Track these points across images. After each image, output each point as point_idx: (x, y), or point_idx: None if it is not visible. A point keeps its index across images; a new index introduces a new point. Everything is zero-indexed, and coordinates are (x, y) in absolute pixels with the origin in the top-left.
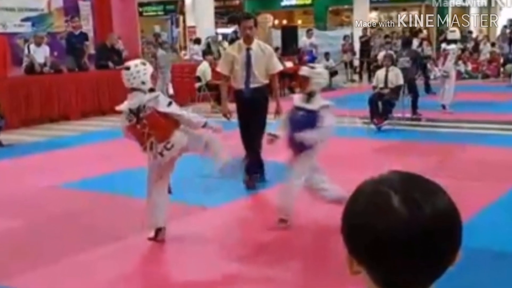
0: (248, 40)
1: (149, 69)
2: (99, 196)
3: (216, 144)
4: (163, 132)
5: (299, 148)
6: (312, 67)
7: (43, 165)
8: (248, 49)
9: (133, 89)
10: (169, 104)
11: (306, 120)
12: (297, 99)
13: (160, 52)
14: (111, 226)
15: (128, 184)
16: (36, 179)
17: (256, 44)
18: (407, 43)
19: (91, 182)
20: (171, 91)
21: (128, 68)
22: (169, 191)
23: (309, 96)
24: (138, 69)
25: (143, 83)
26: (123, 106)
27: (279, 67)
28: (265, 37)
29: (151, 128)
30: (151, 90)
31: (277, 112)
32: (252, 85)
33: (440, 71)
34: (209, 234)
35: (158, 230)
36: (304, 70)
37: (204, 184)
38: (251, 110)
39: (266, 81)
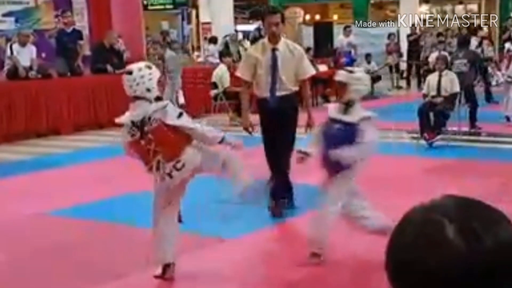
0: (274, 38)
1: (156, 73)
2: (95, 225)
3: (236, 164)
4: (172, 149)
5: (334, 168)
6: (351, 71)
7: (29, 189)
8: (273, 50)
9: (137, 98)
10: (179, 115)
11: (343, 134)
12: (333, 109)
13: (169, 53)
14: (109, 262)
15: (130, 211)
16: (20, 205)
17: (283, 43)
18: (464, 43)
19: (86, 209)
20: (181, 100)
21: (130, 73)
22: (179, 220)
23: (347, 106)
24: (142, 74)
25: (148, 90)
26: (124, 118)
27: (310, 71)
28: (294, 36)
29: (157, 144)
30: (158, 98)
31: (309, 125)
32: (278, 93)
33: (504, 76)
34: (227, 271)
35: (166, 267)
36: (340, 75)
37: (221, 211)
38: (278, 123)
39: (296, 88)
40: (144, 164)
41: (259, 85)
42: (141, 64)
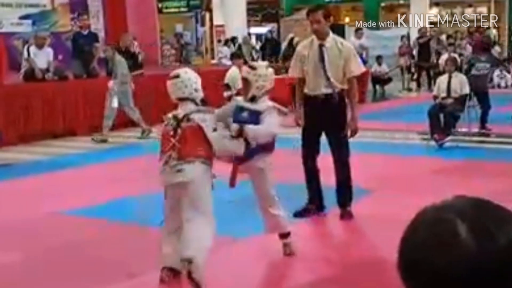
0: (321, 35)
1: (198, 77)
2: (109, 225)
3: None
4: (189, 149)
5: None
6: (253, 68)
7: (44, 188)
8: (320, 46)
9: (182, 100)
10: (214, 130)
11: (250, 119)
12: (240, 100)
13: (118, 58)
14: (123, 261)
15: (144, 211)
16: (35, 205)
17: (331, 40)
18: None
19: (100, 209)
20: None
21: (177, 76)
22: None
23: (252, 101)
24: (189, 76)
25: (196, 90)
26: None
27: (357, 70)
28: (305, 38)
29: (180, 140)
30: (203, 101)
31: (352, 128)
32: (325, 90)
33: None
34: (239, 271)
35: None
36: (244, 72)
37: (233, 211)
38: (324, 122)
39: (345, 87)
40: (159, 152)
41: (306, 82)
42: (185, 68)
